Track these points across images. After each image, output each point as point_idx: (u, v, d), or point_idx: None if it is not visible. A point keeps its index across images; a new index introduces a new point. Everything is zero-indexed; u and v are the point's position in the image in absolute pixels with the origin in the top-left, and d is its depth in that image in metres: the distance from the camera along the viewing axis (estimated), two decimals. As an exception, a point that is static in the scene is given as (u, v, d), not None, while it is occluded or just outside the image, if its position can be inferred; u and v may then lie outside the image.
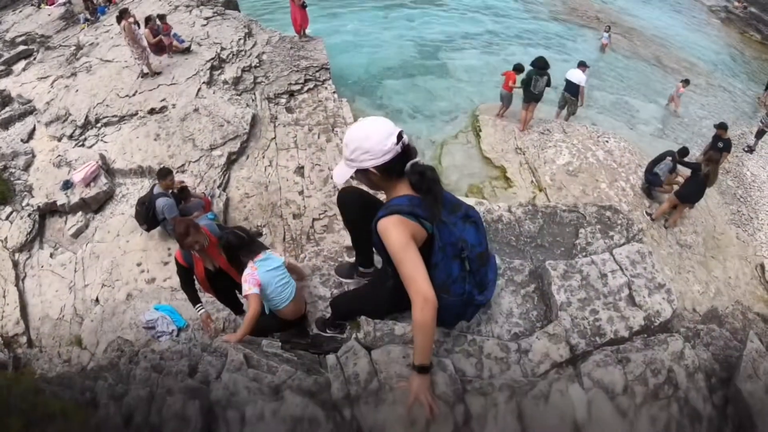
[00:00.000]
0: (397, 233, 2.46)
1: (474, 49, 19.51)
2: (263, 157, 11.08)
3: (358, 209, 3.36)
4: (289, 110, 12.61)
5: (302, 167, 10.81)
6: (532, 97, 12.39)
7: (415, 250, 2.48)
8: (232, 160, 10.94)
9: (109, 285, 9.12)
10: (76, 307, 9.07)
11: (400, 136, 2.56)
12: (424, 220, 2.57)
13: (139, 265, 9.24)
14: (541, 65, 11.99)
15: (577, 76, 12.83)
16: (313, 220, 9.83)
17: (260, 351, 4.16)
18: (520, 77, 12.59)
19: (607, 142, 12.71)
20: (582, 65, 13.27)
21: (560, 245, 4.17)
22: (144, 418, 3.14)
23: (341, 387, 3.01)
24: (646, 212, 10.92)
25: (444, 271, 2.69)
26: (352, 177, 2.68)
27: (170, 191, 8.65)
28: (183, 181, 9.32)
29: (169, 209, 8.40)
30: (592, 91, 15.98)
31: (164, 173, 8.58)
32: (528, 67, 12.38)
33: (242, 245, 4.63)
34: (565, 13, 25.03)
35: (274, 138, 11.56)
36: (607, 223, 4.32)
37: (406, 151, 2.62)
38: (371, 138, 2.52)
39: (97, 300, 9.00)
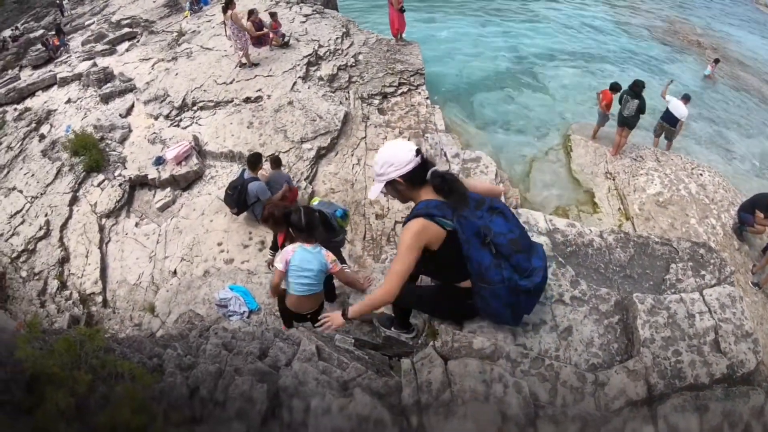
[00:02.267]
0: (410, 237, 3.01)
1: (570, 65, 19.31)
2: (352, 155, 11.40)
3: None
4: (381, 112, 12.92)
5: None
6: (623, 121, 12.11)
7: (414, 258, 3.04)
8: (321, 155, 11.31)
9: (188, 260, 9.65)
10: (153, 276, 9.66)
11: (419, 151, 3.11)
12: (441, 218, 3.02)
13: (219, 244, 9.70)
14: (635, 88, 11.76)
15: (680, 109, 12.48)
16: (395, 222, 10.02)
17: (332, 345, 4.31)
18: (616, 97, 12.41)
19: (701, 175, 12.26)
20: (685, 98, 12.96)
21: (649, 278, 4.05)
22: (209, 392, 3.34)
23: (412, 393, 3.10)
24: (752, 282, 10.00)
25: (476, 261, 3.04)
26: (383, 192, 3.24)
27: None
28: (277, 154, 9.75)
29: (262, 192, 8.88)
30: (688, 120, 15.51)
31: (255, 160, 9.06)
32: (625, 88, 12.20)
33: (300, 228, 5.10)
34: (666, 36, 24.37)
35: (365, 137, 11.87)
36: (700, 261, 4.15)
37: (426, 162, 3.15)
38: (394, 153, 3.11)
39: (174, 272, 9.54)
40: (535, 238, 4.41)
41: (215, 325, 6.54)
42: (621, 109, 12.03)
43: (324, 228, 5.87)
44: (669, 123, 12.81)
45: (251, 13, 14.71)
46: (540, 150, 13.71)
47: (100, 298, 9.51)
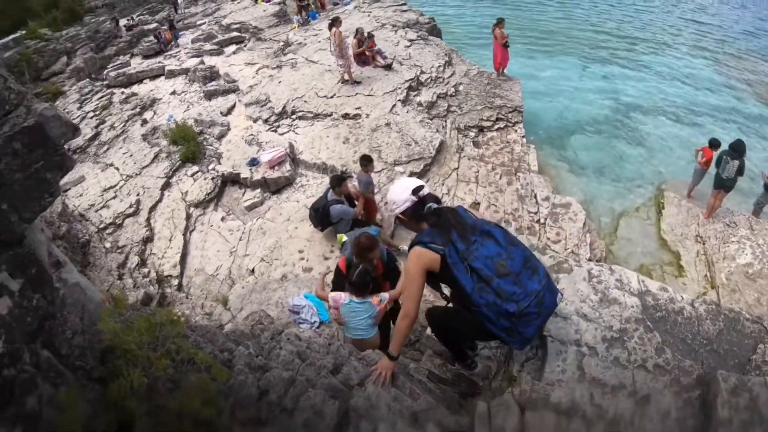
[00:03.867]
0: (413, 264, 3.38)
1: (669, 117, 18.75)
2: (443, 184, 11.43)
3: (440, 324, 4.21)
4: (476, 145, 12.98)
5: (478, 203, 10.99)
6: (720, 183, 11.63)
7: (420, 281, 3.39)
8: (412, 180, 11.38)
9: (268, 261, 9.81)
10: (231, 271, 9.87)
11: (416, 190, 3.51)
12: (432, 244, 3.34)
13: (300, 252, 9.82)
14: (736, 148, 11.36)
15: None
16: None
17: (406, 373, 4.26)
18: (716, 154, 12.05)
19: (797, 250, 11.73)
20: None
21: (735, 355, 3.95)
22: (279, 398, 3.37)
23: (485, 437, 3.03)
24: None
25: (461, 285, 3.26)
26: (396, 222, 3.86)
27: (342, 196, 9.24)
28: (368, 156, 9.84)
29: (345, 212, 9.00)
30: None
31: (338, 181, 9.17)
32: (725, 147, 11.83)
33: (351, 283, 5.13)
34: (771, 97, 23.53)
35: (457, 168, 11.91)
36: (790, 346, 4.00)
37: (425, 199, 3.53)
38: (394, 193, 3.59)
39: (252, 271, 9.73)
40: (626, 298, 4.45)
41: (286, 330, 6.63)
42: (719, 171, 11.52)
43: (390, 270, 5.91)
44: None
45: (357, 32, 15.29)
46: (631, 204, 13.35)
47: (176, 282, 9.83)
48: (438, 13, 25.39)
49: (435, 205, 3.52)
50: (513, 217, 10.50)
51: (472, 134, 13.29)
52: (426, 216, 3.52)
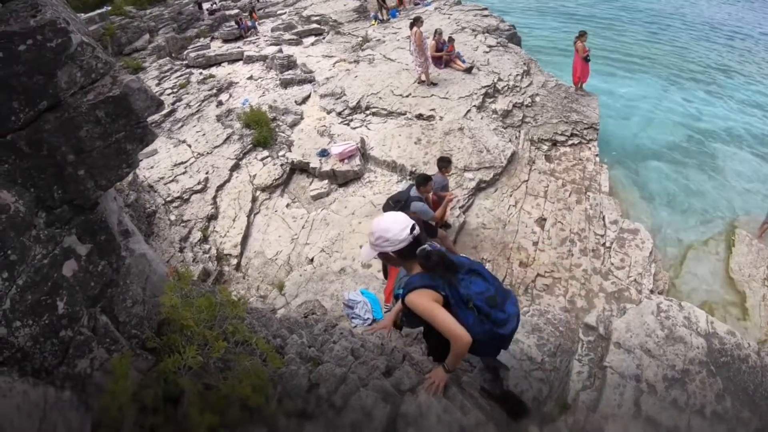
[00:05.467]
0: (422, 301, 3.25)
1: (750, 150, 17.82)
2: (511, 195, 11.18)
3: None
4: (548, 159, 12.64)
5: (545, 219, 10.72)
6: None
7: (440, 307, 3.26)
8: (480, 188, 11.14)
9: (328, 253, 9.80)
10: (290, 257, 9.93)
11: (413, 228, 3.39)
12: (433, 287, 3.31)
13: (362, 246, 9.75)
14: None
15: None
16: (537, 275, 9.67)
17: (458, 384, 4.16)
18: None
19: None
20: None
21: None
22: (328, 393, 3.32)
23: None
24: None
25: (463, 320, 3.30)
26: (375, 257, 3.51)
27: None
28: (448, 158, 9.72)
29: (424, 213, 8.79)
30: None
31: (424, 180, 9.01)
32: None
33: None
34: None
35: (527, 181, 11.62)
36: None
37: (418, 240, 3.42)
38: (390, 230, 3.35)
39: (311, 260, 9.74)
40: (693, 338, 4.34)
41: (340, 323, 6.56)
42: None
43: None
44: None
45: (436, 33, 15.19)
46: (700, 237, 12.80)
47: (234, 261, 9.97)
48: (518, 21, 24.91)
49: (427, 248, 3.47)
50: (579, 238, 10.20)
51: (545, 147, 12.97)
52: (416, 257, 3.45)
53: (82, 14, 20.31)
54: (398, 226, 3.38)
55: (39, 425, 2.16)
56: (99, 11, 21.13)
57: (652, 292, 8.94)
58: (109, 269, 2.87)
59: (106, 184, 2.76)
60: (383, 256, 3.49)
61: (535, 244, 10.22)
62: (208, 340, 2.92)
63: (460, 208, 10.57)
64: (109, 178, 2.76)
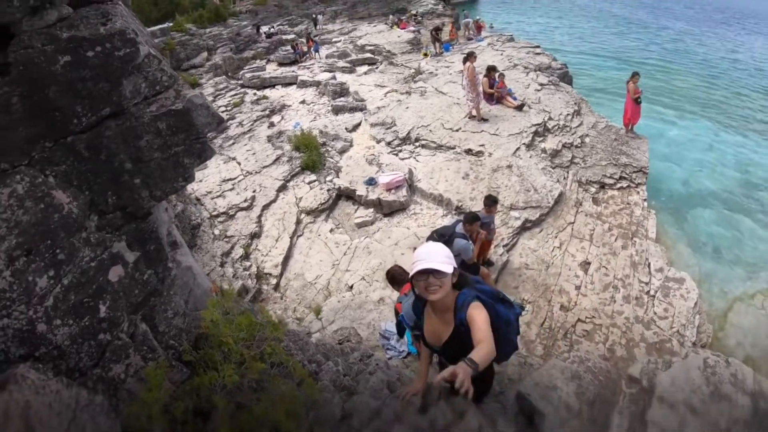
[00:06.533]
0: (485, 315, 3.10)
1: None
2: (556, 237, 10.94)
3: None
4: (596, 202, 12.37)
5: (588, 263, 10.45)
6: None
7: None
8: (525, 227, 10.94)
9: (368, 281, 9.71)
10: (330, 282, 9.86)
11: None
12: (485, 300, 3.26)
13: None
14: None
15: None
16: (578, 320, 9.40)
17: (495, 428, 4.02)
18: None
19: None
20: None
21: None
22: (361, 425, 3.22)
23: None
24: None
25: (504, 317, 3.42)
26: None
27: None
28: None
29: (465, 252, 8.61)
30: None
31: (471, 219, 8.81)
32: None
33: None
34: None
35: (573, 223, 11.37)
36: None
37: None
38: (437, 261, 3.12)
39: (351, 287, 9.66)
40: (738, 396, 4.10)
41: (375, 354, 6.47)
42: None
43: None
44: None
45: (489, 69, 15.14)
46: (748, 289, 12.27)
47: (274, 281, 9.95)
48: (570, 60, 24.74)
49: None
50: (622, 284, 9.89)
51: (592, 190, 12.70)
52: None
53: (146, 29, 21.10)
54: (446, 255, 3.20)
55: (68, 426, 2.13)
56: (161, 26, 22.15)
57: (694, 344, 8.73)
58: (154, 278, 2.86)
59: (160, 195, 2.77)
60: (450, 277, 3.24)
61: (578, 288, 9.97)
62: (245, 359, 2.88)
63: (504, 246, 10.40)
64: (164, 190, 2.77)
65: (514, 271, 10.11)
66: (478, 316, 3.06)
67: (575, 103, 16.09)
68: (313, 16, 30.85)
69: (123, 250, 2.67)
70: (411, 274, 3.08)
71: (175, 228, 3.43)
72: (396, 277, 6.44)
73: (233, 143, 14.50)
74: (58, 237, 2.39)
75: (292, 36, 25.68)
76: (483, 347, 2.92)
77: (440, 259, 3.06)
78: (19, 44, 2.32)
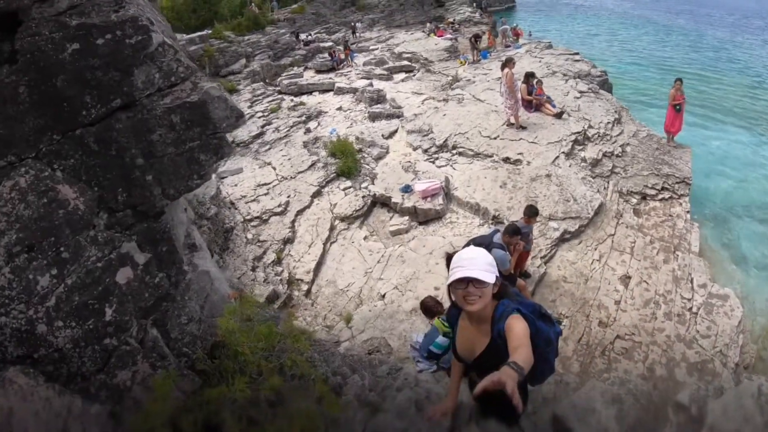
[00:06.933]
0: (526, 328, 2.75)
1: None
2: (595, 249, 10.54)
3: None
4: (637, 213, 11.91)
5: (629, 277, 10.02)
6: None
7: None
8: (564, 239, 10.58)
9: (401, 291, 9.47)
10: (362, 290, 9.70)
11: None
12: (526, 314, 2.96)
13: (436, 289, 9.31)
14: None
15: None
16: (617, 337, 8.98)
17: None
18: None
19: None
20: None
21: None
22: None
23: None
24: None
25: (545, 335, 3.05)
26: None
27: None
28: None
29: (503, 263, 8.26)
30: None
31: (513, 231, 8.48)
32: None
33: None
34: None
35: (613, 235, 10.94)
36: None
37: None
38: (481, 268, 2.85)
39: (383, 296, 9.44)
40: None
41: (405, 366, 6.25)
42: None
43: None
44: None
45: (528, 76, 14.88)
46: (793, 308, 11.70)
47: (305, 287, 9.84)
48: (610, 68, 24.20)
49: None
50: (664, 300, 9.45)
51: (633, 201, 12.24)
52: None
53: (184, 35, 21.90)
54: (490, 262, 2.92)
55: None
56: (200, 33, 22.63)
57: (737, 365, 8.29)
58: (166, 282, 2.70)
59: (173, 193, 2.60)
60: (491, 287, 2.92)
61: (617, 303, 9.54)
62: (262, 371, 2.70)
63: (541, 258, 10.07)
64: (178, 188, 2.61)
65: (552, 283, 9.77)
66: (517, 325, 2.75)
67: (615, 111, 15.66)
68: (352, 24, 31.05)
69: (133, 251, 2.52)
70: (449, 280, 2.79)
71: (196, 230, 3.27)
72: (430, 308, 6.41)
73: (269, 148, 14.58)
74: (63, 234, 2.25)
75: (329, 44, 25.78)
76: (523, 351, 2.61)
77: (483, 266, 2.78)
78: (27, 31, 2.21)
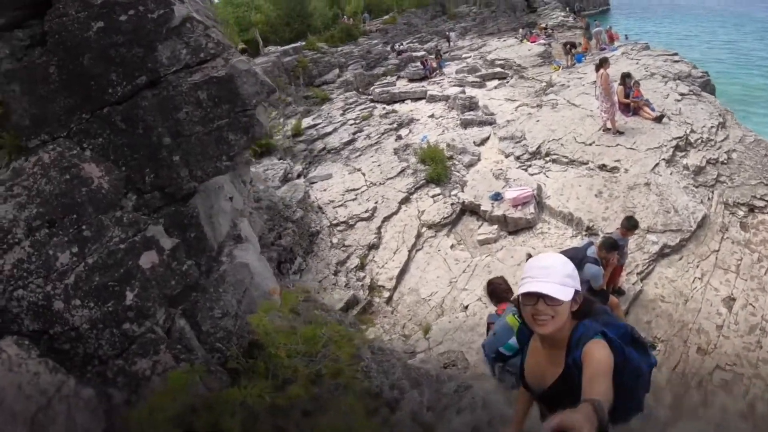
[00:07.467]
0: (610, 358, 2.20)
1: None
2: (697, 266, 9.60)
3: None
4: (744, 227, 10.78)
5: (734, 299, 8.99)
6: None
7: None
8: (663, 253, 9.73)
9: (485, 303, 8.89)
10: (444, 300, 9.38)
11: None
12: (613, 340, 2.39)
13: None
14: None
15: None
16: (716, 366, 7.99)
17: None
18: None
19: None
20: None
21: None
22: None
23: None
24: None
25: (636, 364, 2.48)
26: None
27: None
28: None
29: (595, 279, 7.67)
30: None
31: (610, 246, 7.84)
32: None
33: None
34: None
35: (717, 251, 9.93)
36: None
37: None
38: (564, 275, 2.34)
39: (466, 307, 9.09)
40: None
41: (475, 386, 5.88)
42: None
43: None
44: None
45: (624, 77, 14.16)
46: None
47: (387, 294, 9.67)
48: (711, 69, 22.60)
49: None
50: (770, 325, 8.38)
51: (740, 213, 11.08)
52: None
53: (279, 47, 23.02)
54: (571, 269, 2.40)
55: (35, 412, 1.88)
56: (294, 45, 23.58)
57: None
58: (195, 270, 2.59)
59: (201, 175, 2.48)
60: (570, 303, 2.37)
61: (719, 328, 8.55)
62: (297, 374, 2.51)
63: (638, 274, 9.29)
64: (206, 170, 2.48)
65: (648, 303, 8.93)
66: (598, 352, 2.20)
67: (719, 115, 14.42)
68: (446, 33, 31.22)
69: (159, 235, 2.42)
70: (516, 293, 2.33)
71: (246, 222, 3.17)
72: (496, 291, 5.46)
73: (360, 155, 14.71)
74: (85, 212, 2.19)
75: (421, 53, 25.96)
76: (601, 383, 2.09)
77: (558, 279, 2.25)
78: (55, 12, 2.18)
